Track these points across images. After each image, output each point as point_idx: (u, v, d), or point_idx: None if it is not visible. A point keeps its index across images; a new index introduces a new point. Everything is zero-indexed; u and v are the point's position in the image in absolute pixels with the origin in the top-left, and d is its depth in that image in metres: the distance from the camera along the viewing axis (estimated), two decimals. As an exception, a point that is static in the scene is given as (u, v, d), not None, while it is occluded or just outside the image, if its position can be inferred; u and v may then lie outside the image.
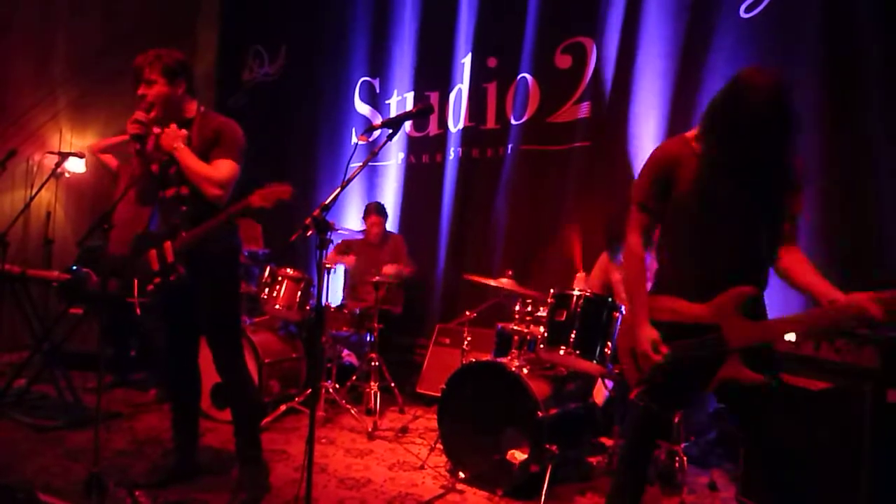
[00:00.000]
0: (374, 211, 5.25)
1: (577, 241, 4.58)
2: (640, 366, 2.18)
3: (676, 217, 2.19)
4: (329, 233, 2.24)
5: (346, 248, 5.36)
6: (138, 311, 2.85)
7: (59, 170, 4.93)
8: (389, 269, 4.88)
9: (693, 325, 2.08)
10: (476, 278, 3.91)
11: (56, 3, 5.83)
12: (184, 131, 2.78)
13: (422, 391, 4.99)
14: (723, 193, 2.06)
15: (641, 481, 2.34)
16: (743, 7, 4.29)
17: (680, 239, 2.20)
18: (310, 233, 2.20)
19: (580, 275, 4.52)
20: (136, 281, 2.86)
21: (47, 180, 4.53)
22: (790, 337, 2.37)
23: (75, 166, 5.68)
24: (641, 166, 2.28)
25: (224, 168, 2.75)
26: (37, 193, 4.44)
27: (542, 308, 3.61)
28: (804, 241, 2.33)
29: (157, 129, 2.81)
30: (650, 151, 2.28)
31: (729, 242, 2.09)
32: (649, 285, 2.30)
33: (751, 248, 2.10)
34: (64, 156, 5.09)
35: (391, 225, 5.61)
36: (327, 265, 4.61)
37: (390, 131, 2.40)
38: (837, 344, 2.72)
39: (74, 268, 4.05)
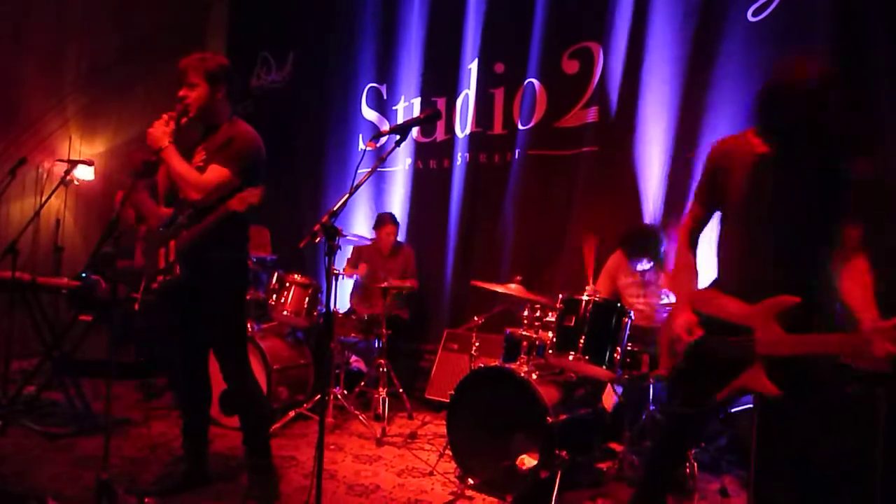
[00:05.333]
0: (390, 221, 5.30)
1: (590, 252, 4.49)
2: (673, 350, 2.16)
3: (729, 213, 2.19)
4: (337, 239, 2.24)
5: (357, 257, 5.38)
6: (136, 306, 2.87)
7: (68, 177, 4.95)
8: (393, 283, 4.88)
9: (730, 323, 2.06)
10: (484, 284, 3.90)
11: (68, 11, 5.87)
12: (171, 126, 2.73)
13: (430, 397, 4.99)
14: (771, 187, 2.02)
15: (663, 491, 2.31)
16: (751, 11, 4.26)
17: (731, 235, 2.19)
18: (318, 239, 2.20)
19: (590, 288, 4.48)
20: (144, 277, 2.88)
21: (56, 188, 4.55)
22: None
23: (84, 174, 5.72)
24: None
25: (211, 173, 2.72)
26: (46, 201, 4.45)
27: (550, 313, 3.60)
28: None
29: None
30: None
31: (775, 240, 2.04)
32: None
33: (799, 249, 2.02)
34: (73, 163, 5.10)
35: (400, 231, 5.62)
36: (338, 273, 4.60)
37: (398, 137, 2.39)
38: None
39: (84, 275, 4.05)
